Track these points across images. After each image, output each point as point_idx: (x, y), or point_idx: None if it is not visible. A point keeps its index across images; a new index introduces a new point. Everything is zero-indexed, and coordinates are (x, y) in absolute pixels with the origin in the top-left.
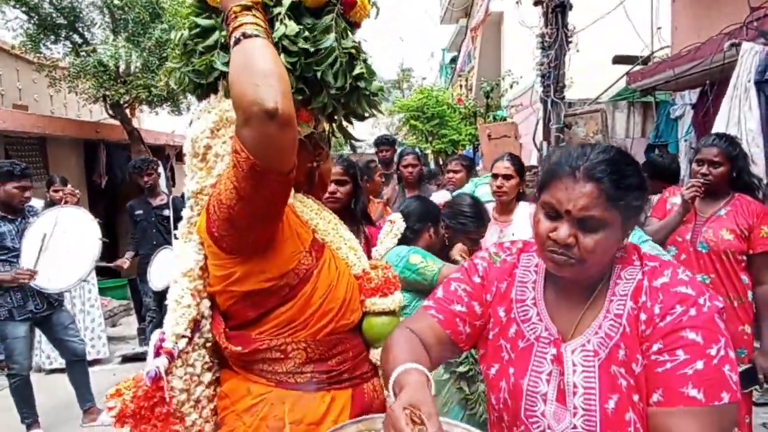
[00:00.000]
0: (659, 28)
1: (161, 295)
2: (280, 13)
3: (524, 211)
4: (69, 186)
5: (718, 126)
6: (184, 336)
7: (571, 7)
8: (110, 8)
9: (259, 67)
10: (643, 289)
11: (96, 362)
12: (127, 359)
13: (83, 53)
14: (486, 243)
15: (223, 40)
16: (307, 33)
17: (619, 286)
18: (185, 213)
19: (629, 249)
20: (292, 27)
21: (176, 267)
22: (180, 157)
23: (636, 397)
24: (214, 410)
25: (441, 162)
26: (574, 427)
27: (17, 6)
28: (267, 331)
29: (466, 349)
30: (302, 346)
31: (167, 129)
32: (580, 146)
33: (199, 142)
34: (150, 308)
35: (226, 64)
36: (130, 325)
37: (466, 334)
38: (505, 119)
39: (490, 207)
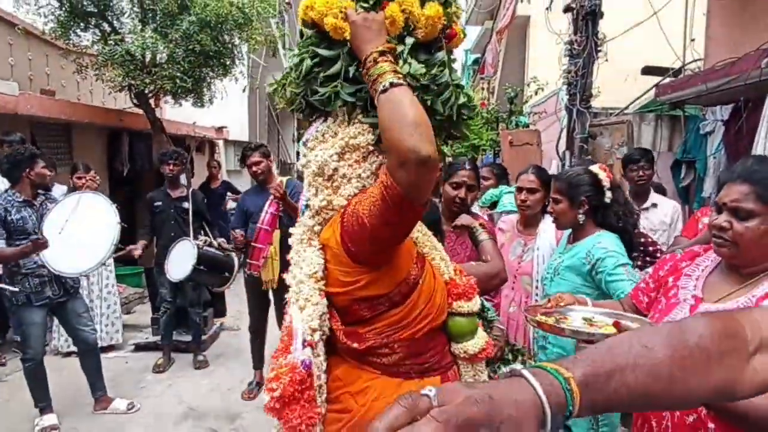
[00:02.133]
0: (692, 39)
1: (176, 286)
2: (403, 52)
3: (550, 224)
4: (92, 172)
5: (757, 148)
6: (317, 330)
7: (602, 16)
8: None
9: (411, 117)
10: None
11: (110, 348)
12: (139, 348)
13: (111, 42)
14: (510, 256)
15: (347, 72)
16: (425, 69)
17: None
18: (305, 221)
19: None
20: (416, 66)
21: (300, 270)
22: (200, 148)
23: None
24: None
25: None
26: None
27: None
28: (376, 330)
29: (647, 312)
30: (405, 343)
31: (188, 120)
32: (744, 160)
33: (329, 165)
34: (165, 299)
35: (352, 94)
36: (144, 313)
37: (645, 303)
38: (527, 126)
39: (512, 217)
